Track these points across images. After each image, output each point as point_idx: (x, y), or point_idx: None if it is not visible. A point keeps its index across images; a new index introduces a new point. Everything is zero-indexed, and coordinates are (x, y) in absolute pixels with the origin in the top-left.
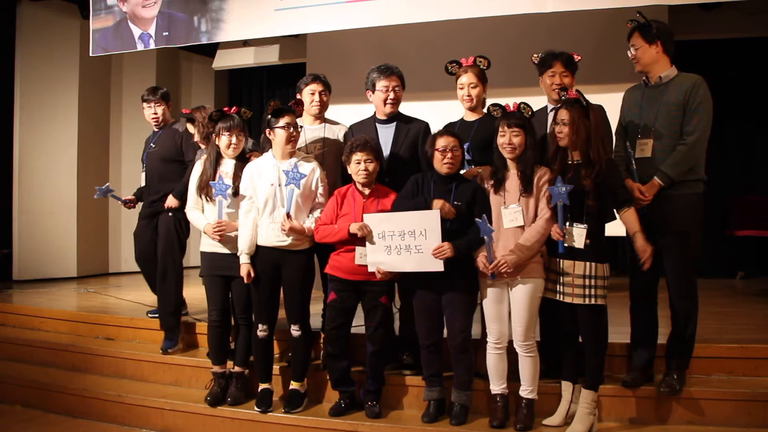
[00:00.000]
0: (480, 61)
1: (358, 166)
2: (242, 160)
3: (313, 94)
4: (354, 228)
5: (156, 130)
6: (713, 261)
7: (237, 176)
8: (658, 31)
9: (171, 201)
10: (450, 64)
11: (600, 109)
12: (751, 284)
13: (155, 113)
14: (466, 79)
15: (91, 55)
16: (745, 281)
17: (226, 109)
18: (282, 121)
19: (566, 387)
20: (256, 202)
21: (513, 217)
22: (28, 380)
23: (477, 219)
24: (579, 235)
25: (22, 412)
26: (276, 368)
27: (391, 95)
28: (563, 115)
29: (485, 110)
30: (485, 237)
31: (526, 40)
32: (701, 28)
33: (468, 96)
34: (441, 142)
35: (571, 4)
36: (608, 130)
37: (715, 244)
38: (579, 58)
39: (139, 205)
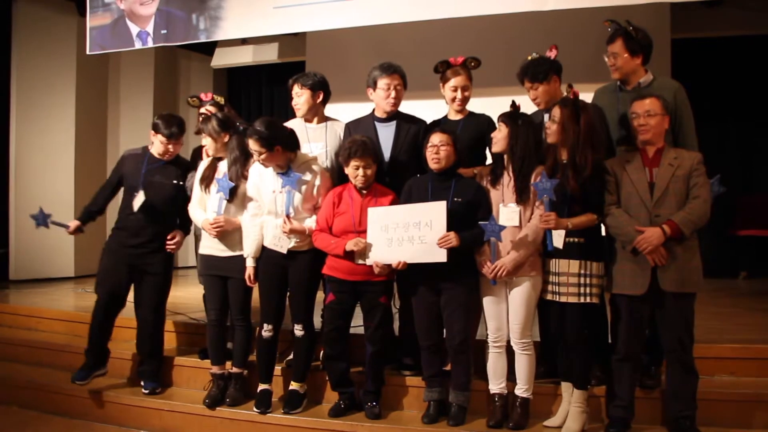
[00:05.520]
0: (471, 63)
1: (356, 171)
2: (234, 162)
3: (294, 96)
4: (350, 245)
5: (158, 157)
6: (716, 261)
7: (231, 177)
8: (642, 43)
9: (180, 237)
10: (440, 64)
11: (595, 110)
12: (753, 284)
13: (172, 151)
14: (460, 81)
15: (88, 53)
16: (748, 281)
17: (206, 110)
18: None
19: (566, 388)
20: (262, 203)
21: (510, 217)
22: (25, 381)
23: (481, 222)
24: (558, 235)
25: (19, 413)
26: (276, 369)
27: (393, 93)
28: (555, 112)
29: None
30: (491, 239)
31: (526, 38)
32: (704, 25)
33: (461, 99)
34: (432, 139)
35: (571, 3)
36: (603, 132)
37: (718, 244)
38: (554, 54)
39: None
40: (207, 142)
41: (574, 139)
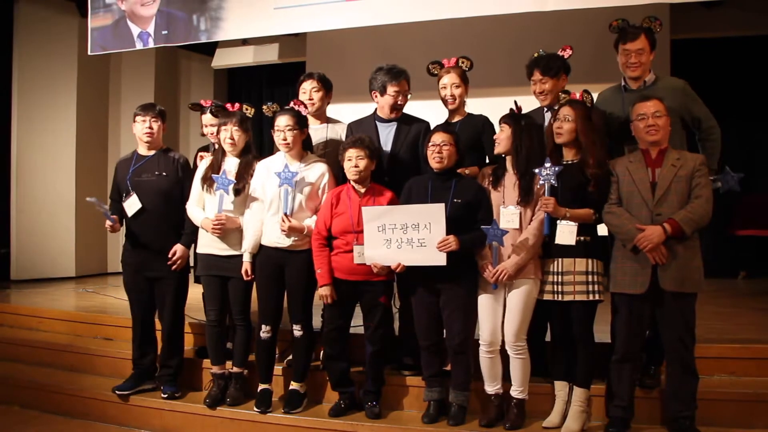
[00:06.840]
0: (462, 62)
1: (349, 163)
2: (246, 159)
3: (304, 93)
4: (322, 291)
5: (144, 153)
6: (715, 261)
7: (240, 175)
8: (655, 37)
9: (181, 252)
10: (432, 65)
11: (602, 113)
12: (753, 284)
13: (150, 128)
14: (449, 79)
15: (89, 53)
16: (747, 281)
17: (228, 105)
18: (275, 125)
19: (561, 387)
20: (264, 201)
21: (510, 219)
22: (26, 381)
23: (483, 226)
24: (570, 233)
25: (21, 413)
26: (277, 369)
27: (401, 99)
28: (567, 111)
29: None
30: (493, 243)
31: (527, 39)
32: (704, 26)
33: (451, 96)
34: (434, 139)
35: (571, 3)
36: (605, 134)
37: (717, 244)
38: (568, 54)
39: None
40: (237, 136)
41: (591, 134)
